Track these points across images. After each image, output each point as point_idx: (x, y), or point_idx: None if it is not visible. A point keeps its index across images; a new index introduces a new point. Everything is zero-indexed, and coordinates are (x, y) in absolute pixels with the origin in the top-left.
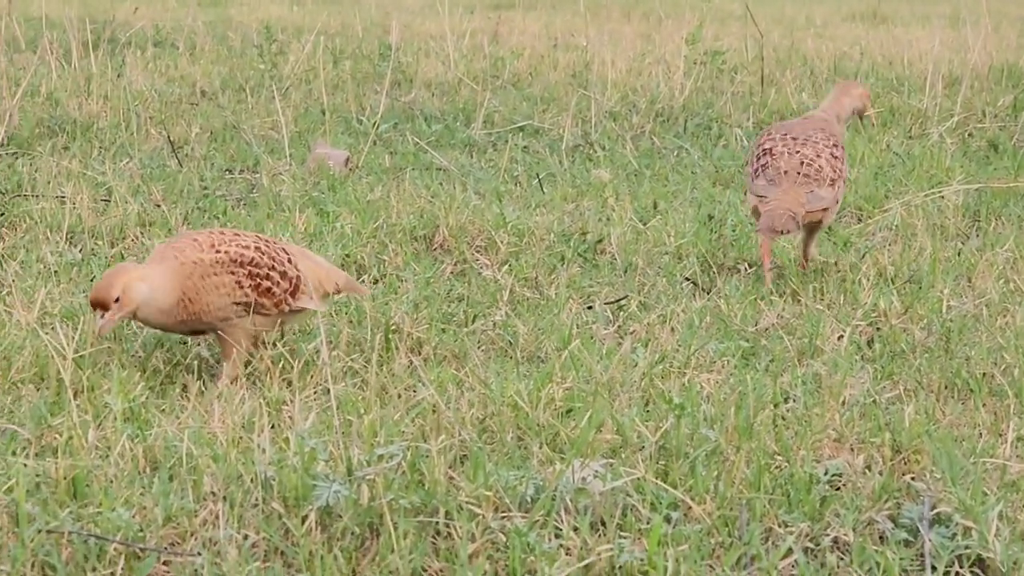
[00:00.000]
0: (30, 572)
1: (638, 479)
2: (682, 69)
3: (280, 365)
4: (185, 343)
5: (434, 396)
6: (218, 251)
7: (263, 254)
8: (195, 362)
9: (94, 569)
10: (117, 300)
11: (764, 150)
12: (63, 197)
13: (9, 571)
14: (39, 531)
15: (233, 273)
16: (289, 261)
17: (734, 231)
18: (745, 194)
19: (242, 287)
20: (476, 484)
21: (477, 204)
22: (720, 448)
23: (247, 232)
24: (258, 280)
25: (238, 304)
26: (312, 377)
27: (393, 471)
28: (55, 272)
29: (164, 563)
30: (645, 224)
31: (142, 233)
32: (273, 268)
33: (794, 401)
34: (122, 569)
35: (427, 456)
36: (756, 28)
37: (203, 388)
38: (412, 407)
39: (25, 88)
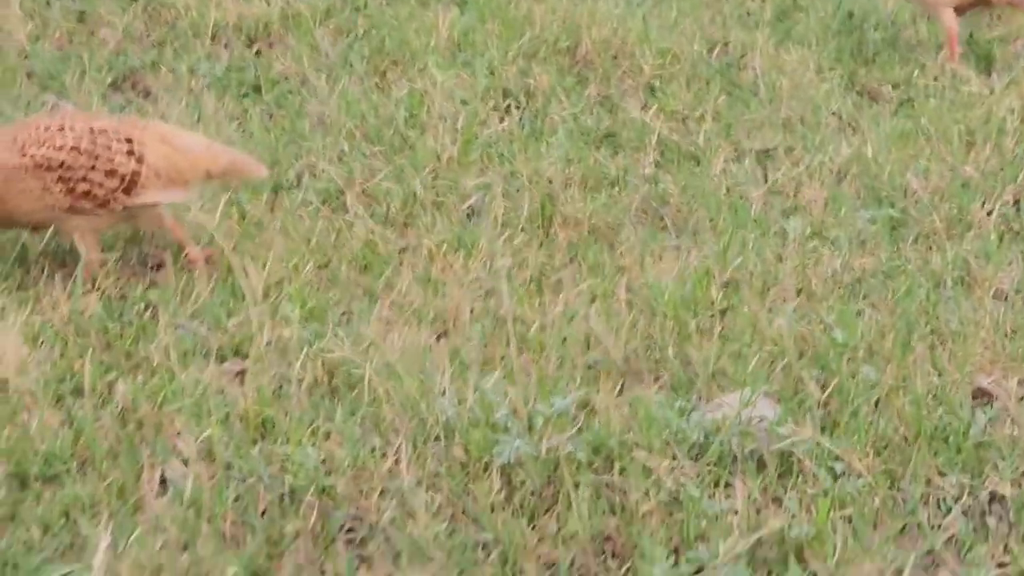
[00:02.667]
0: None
1: None
2: None
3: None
4: None
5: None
6: (24, 155)
7: (80, 154)
8: None
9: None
10: None
11: None
12: None
13: None
14: None
15: (39, 179)
16: (130, 153)
17: (878, 32)
18: None
19: (51, 192)
20: None
21: (619, 12)
22: None
23: (80, 120)
24: (71, 184)
25: (53, 209)
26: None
27: None
28: None
29: None
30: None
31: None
32: (94, 168)
33: None
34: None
35: None
36: None
37: None
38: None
39: None
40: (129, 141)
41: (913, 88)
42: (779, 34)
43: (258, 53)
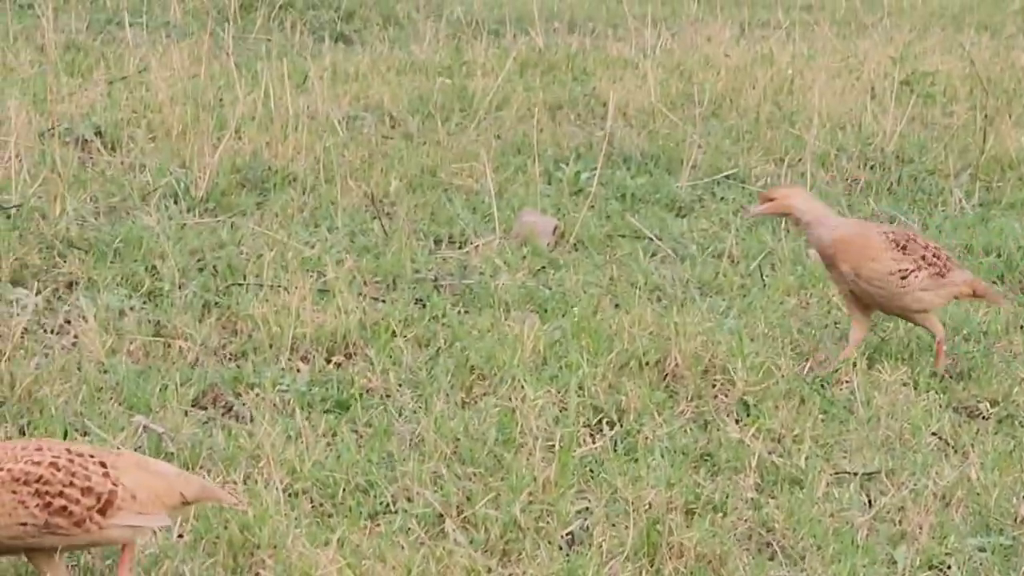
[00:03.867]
0: None
1: None
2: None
3: None
4: None
5: None
6: (0, 469)
7: (58, 470)
8: None
9: None
10: None
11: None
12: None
13: None
14: None
15: (15, 492)
16: (106, 475)
17: (971, 344)
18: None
19: (27, 507)
20: None
21: (708, 326)
22: None
23: (56, 443)
24: (48, 499)
25: (25, 525)
26: None
27: None
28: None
29: None
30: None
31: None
32: (71, 484)
33: None
34: None
35: None
36: None
37: None
38: None
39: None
40: (104, 465)
41: (1012, 404)
42: (871, 347)
43: (338, 366)
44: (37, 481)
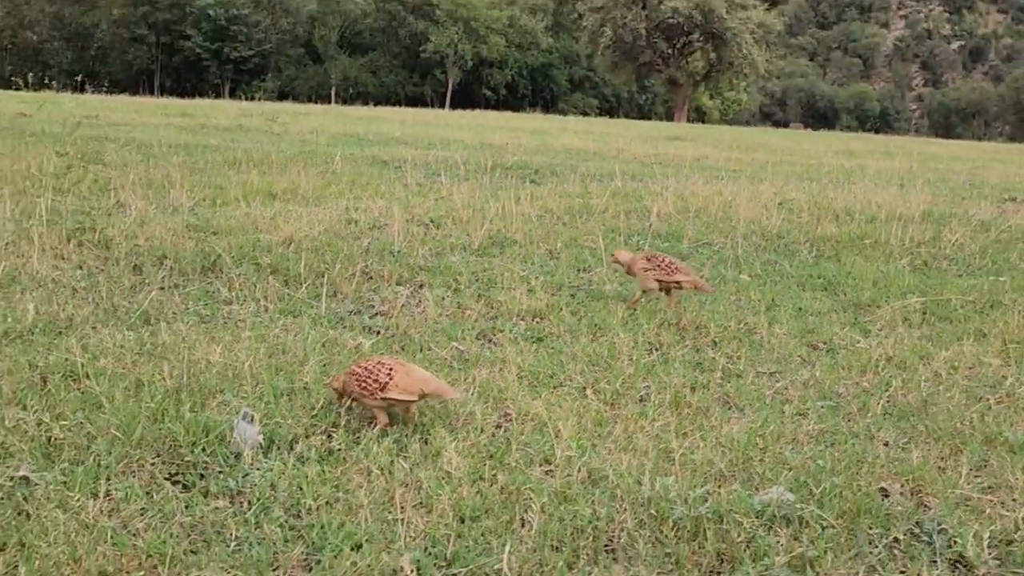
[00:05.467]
0: None
1: None
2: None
3: None
4: None
5: None
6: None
7: (368, 371)
8: None
9: None
10: None
11: (668, 263)
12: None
13: None
14: None
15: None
16: (389, 374)
17: None
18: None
19: (354, 385)
20: None
21: None
22: None
23: (386, 360)
24: (361, 380)
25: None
26: None
27: None
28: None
29: None
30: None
31: (549, 313)
32: (371, 377)
33: None
34: None
35: None
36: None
37: None
38: None
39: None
40: (391, 369)
41: None
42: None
43: (537, 322)
44: (359, 374)
